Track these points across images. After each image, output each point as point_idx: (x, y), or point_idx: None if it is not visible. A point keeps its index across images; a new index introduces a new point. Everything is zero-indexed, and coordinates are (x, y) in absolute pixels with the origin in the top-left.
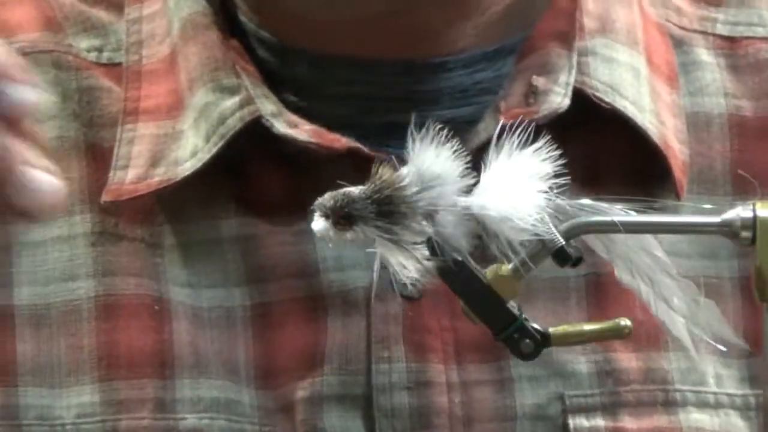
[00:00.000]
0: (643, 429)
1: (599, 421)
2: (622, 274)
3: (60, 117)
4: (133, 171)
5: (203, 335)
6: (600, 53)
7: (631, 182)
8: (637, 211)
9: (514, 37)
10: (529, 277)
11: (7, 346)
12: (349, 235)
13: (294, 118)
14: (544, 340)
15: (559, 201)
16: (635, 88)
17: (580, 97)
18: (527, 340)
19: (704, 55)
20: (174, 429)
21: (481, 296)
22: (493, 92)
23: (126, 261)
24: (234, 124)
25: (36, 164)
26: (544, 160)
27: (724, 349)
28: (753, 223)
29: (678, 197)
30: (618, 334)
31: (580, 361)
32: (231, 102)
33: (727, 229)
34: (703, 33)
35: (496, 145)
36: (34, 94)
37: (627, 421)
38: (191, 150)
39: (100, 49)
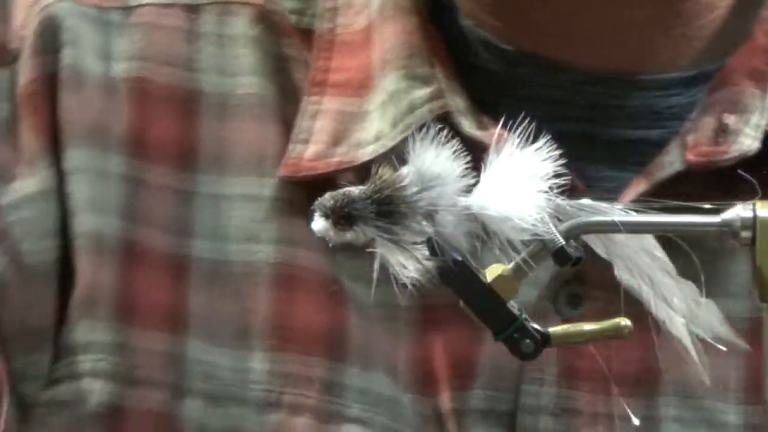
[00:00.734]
0: None
1: None
2: (622, 274)
3: (260, 75)
4: (313, 147)
5: (370, 328)
6: None
7: None
8: (637, 211)
9: (710, 66)
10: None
11: (180, 295)
12: (349, 235)
13: (483, 118)
14: (545, 340)
15: (559, 201)
16: None
17: None
18: (527, 340)
19: None
20: (338, 415)
21: (481, 296)
22: (683, 118)
23: (308, 235)
24: (422, 115)
25: None
26: (544, 160)
27: (724, 349)
28: (753, 223)
29: None
30: (618, 334)
31: (730, 412)
32: (422, 92)
33: (727, 229)
34: None
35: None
36: None
37: None
38: (375, 134)
39: (301, 12)
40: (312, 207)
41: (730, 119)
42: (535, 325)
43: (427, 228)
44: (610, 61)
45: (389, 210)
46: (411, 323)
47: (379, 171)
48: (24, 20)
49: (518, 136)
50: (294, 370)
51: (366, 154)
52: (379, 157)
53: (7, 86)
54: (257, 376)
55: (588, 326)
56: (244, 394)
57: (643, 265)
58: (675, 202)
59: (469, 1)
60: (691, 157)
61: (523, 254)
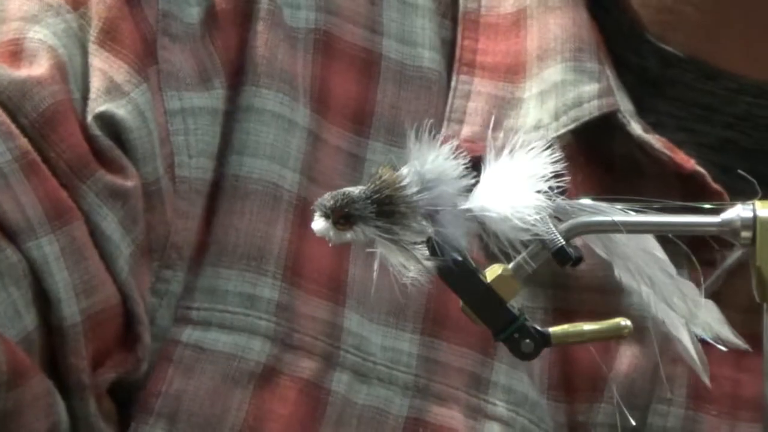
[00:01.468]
0: None
1: None
2: (622, 273)
3: (436, 50)
4: (469, 128)
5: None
6: None
7: None
8: (637, 211)
9: None
10: None
11: (343, 265)
12: (349, 235)
13: (644, 124)
14: (544, 340)
15: (559, 201)
16: None
17: None
18: (527, 340)
19: None
20: (482, 411)
21: (481, 296)
22: None
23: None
24: (591, 110)
25: None
26: (544, 160)
27: (724, 349)
28: (753, 223)
29: None
30: (618, 333)
31: None
32: (591, 87)
33: (727, 229)
34: None
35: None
36: None
37: None
38: (534, 123)
39: None
40: (312, 206)
41: None
42: (535, 325)
43: (427, 228)
44: (764, 70)
45: (389, 210)
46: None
47: (379, 171)
48: None
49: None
50: (445, 359)
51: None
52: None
53: None
54: (407, 359)
55: (588, 326)
56: (391, 375)
57: (643, 265)
58: (675, 202)
59: (636, 2)
60: None
61: (523, 254)
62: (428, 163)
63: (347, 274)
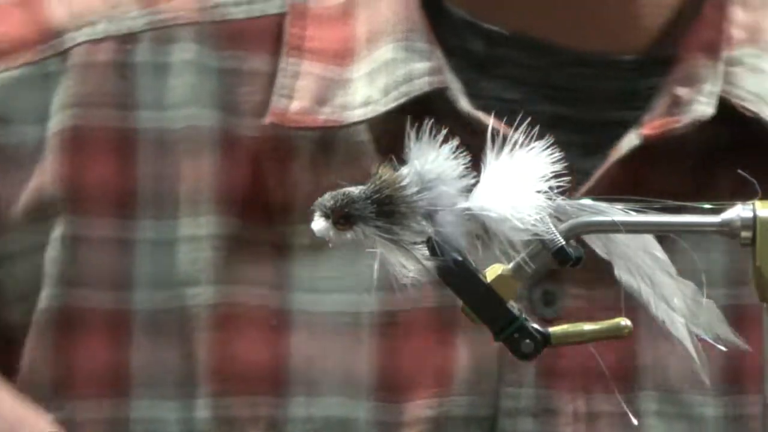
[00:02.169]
0: None
1: None
2: (621, 273)
3: (199, 103)
4: (298, 102)
5: (323, 346)
6: (748, 63)
7: None
8: (637, 211)
9: (677, 45)
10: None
11: (121, 355)
12: (349, 235)
13: (474, 103)
14: (545, 340)
15: (559, 201)
16: None
17: (725, 109)
18: (527, 340)
19: None
20: None
21: (481, 296)
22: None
23: (250, 268)
24: (421, 86)
25: None
26: (544, 160)
27: (725, 349)
28: (753, 223)
29: None
30: (618, 333)
31: (709, 404)
32: (422, 65)
33: (727, 229)
34: None
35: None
36: None
37: None
38: (362, 99)
39: (249, 2)
40: (311, 207)
41: (683, 91)
42: (535, 325)
43: (427, 228)
44: (589, 41)
45: (389, 210)
46: (376, 329)
47: (379, 171)
48: None
49: (497, 116)
50: (239, 414)
51: (354, 116)
52: (368, 123)
53: None
54: (202, 425)
55: (588, 326)
56: None
57: (643, 265)
58: (675, 202)
59: None
60: (646, 131)
61: (523, 254)
62: (428, 163)
63: (130, 362)
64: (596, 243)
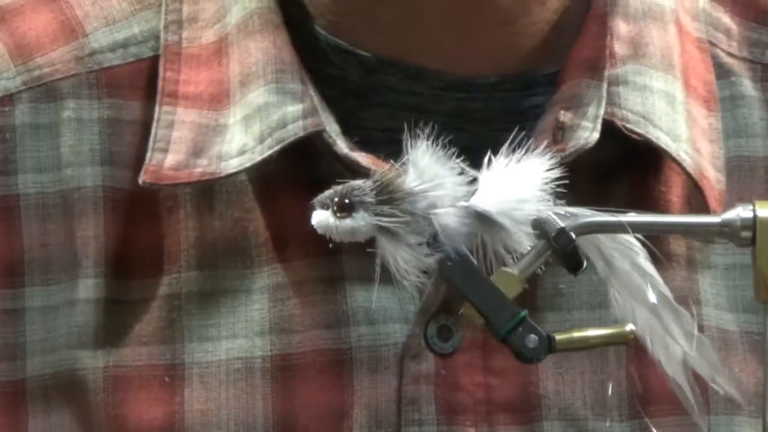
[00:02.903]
0: None
1: None
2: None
3: (76, 163)
4: (173, 156)
5: (217, 396)
6: (632, 81)
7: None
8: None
9: (562, 62)
10: None
11: (19, 428)
12: (349, 221)
13: (350, 143)
14: (549, 340)
15: (556, 209)
16: (670, 116)
17: (612, 131)
18: (532, 335)
19: (750, 88)
20: None
21: (483, 292)
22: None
23: (138, 328)
24: (295, 130)
25: None
26: (543, 164)
27: (722, 392)
28: (753, 223)
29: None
30: (623, 339)
31: (615, 429)
32: (294, 108)
33: (727, 229)
34: (751, 62)
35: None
36: None
37: None
38: (238, 147)
39: (124, 45)
40: (311, 202)
41: (567, 116)
42: (538, 327)
43: (427, 227)
44: (468, 64)
45: (389, 198)
46: (268, 375)
47: (382, 170)
48: None
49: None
50: None
51: (230, 166)
52: (245, 171)
53: None
54: None
55: (593, 332)
56: None
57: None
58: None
59: (323, 10)
60: None
61: (526, 254)
62: (428, 164)
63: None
64: (598, 263)
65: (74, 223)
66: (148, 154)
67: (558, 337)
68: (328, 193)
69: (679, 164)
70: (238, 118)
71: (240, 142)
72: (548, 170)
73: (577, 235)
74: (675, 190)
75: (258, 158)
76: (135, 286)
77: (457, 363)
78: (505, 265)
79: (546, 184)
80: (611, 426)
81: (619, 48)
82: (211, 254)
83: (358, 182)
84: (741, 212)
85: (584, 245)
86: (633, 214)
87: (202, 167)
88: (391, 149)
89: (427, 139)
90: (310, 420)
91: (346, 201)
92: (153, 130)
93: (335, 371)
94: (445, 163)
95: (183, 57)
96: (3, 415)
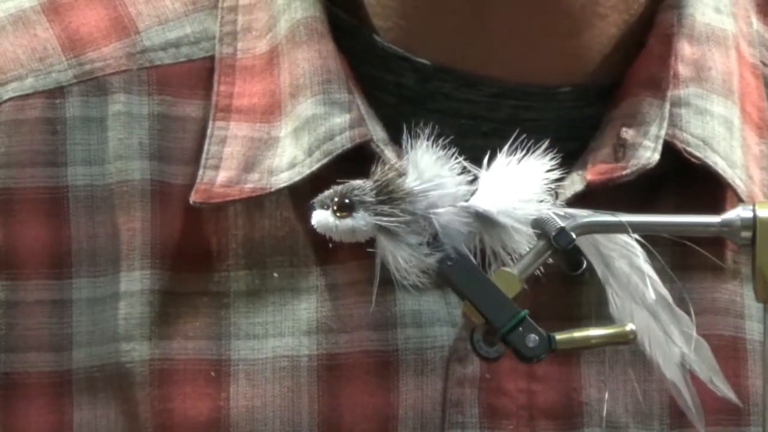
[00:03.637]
0: None
1: None
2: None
3: (126, 157)
4: (225, 173)
5: (263, 393)
6: (693, 104)
7: (722, 242)
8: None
9: (623, 76)
10: None
11: (64, 417)
12: (349, 221)
13: (399, 150)
14: (549, 340)
15: (556, 209)
16: (727, 141)
17: (670, 150)
18: (533, 335)
19: None
20: None
21: (482, 291)
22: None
23: (185, 321)
24: (342, 142)
25: None
26: (543, 164)
27: (719, 394)
28: (753, 223)
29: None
30: (624, 339)
31: None
32: (341, 119)
33: (727, 229)
34: None
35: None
36: None
37: None
38: (289, 161)
39: (176, 45)
40: (311, 202)
41: (629, 133)
42: (538, 327)
43: (428, 227)
44: (524, 73)
45: (390, 198)
46: (314, 374)
47: (381, 171)
48: None
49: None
50: None
51: (281, 180)
52: (295, 186)
53: None
54: None
55: (594, 332)
56: None
57: (641, 292)
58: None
59: (381, 18)
60: (590, 176)
61: (526, 254)
62: (429, 164)
63: (71, 422)
64: (597, 265)
65: (122, 215)
66: (200, 172)
67: (559, 336)
68: (328, 192)
69: (734, 191)
70: (289, 131)
71: (290, 155)
72: (549, 171)
73: (577, 235)
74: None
75: (307, 172)
76: (183, 280)
77: (502, 368)
78: (504, 265)
79: (546, 183)
80: None
81: (683, 70)
82: (260, 253)
83: (358, 182)
84: (741, 212)
85: (583, 246)
86: (633, 214)
87: (253, 182)
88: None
89: (427, 139)
90: (355, 420)
91: (346, 200)
92: (206, 147)
93: (381, 372)
94: (445, 163)
95: (237, 69)
96: (48, 405)
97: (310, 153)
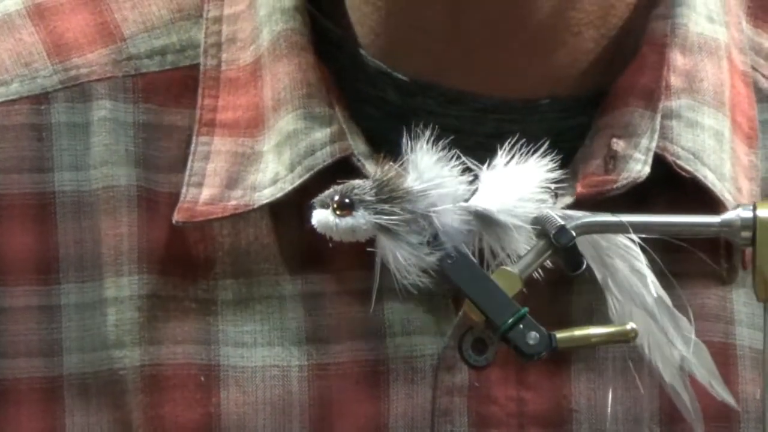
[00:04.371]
0: None
1: None
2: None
3: (113, 163)
4: (208, 190)
5: (254, 402)
6: (685, 116)
7: (712, 249)
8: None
9: (603, 86)
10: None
11: (56, 422)
12: (349, 220)
13: (382, 160)
14: (550, 338)
15: (555, 210)
16: (717, 154)
17: (660, 163)
18: (533, 332)
19: None
20: None
21: (483, 289)
22: (585, 138)
23: (174, 326)
24: (323, 158)
25: None
26: (543, 164)
27: (718, 398)
28: (753, 223)
29: (745, 267)
30: (624, 338)
31: None
32: (322, 134)
33: (728, 229)
34: None
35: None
36: None
37: None
38: (271, 177)
39: (162, 53)
40: (312, 202)
41: (619, 145)
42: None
43: (428, 226)
44: (504, 88)
45: (390, 197)
46: (305, 384)
47: (381, 171)
48: None
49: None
50: None
51: (263, 197)
52: (278, 201)
53: None
54: None
55: (594, 330)
56: None
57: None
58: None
59: (366, 33)
60: (580, 188)
61: (527, 253)
62: (429, 164)
63: (64, 428)
64: (596, 267)
65: (109, 220)
66: (183, 190)
67: (559, 335)
68: (328, 192)
69: (723, 204)
70: (272, 145)
71: (273, 171)
72: (548, 171)
73: (577, 234)
74: None
75: (289, 188)
76: (171, 285)
77: (491, 376)
78: (504, 264)
79: (546, 184)
80: None
81: (675, 80)
82: (245, 261)
83: (359, 181)
84: (741, 212)
85: (583, 248)
86: (633, 214)
87: (236, 199)
88: None
89: (427, 142)
90: (346, 429)
91: (346, 200)
92: (189, 164)
93: (372, 381)
94: (445, 164)
95: (222, 81)
96: (39, 411)
97: (291, 168)
